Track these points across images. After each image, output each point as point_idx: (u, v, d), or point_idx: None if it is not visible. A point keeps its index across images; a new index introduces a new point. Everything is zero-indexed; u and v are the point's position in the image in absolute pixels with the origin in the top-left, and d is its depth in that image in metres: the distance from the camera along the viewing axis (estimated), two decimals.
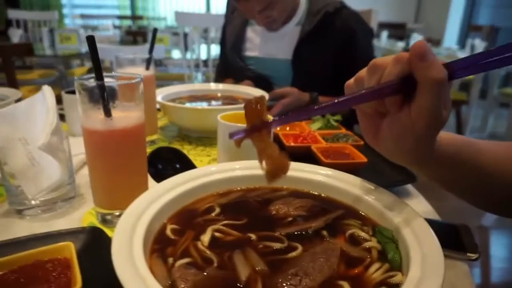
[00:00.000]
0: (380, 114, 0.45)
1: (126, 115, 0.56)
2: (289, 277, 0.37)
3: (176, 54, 4.70)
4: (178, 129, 1.11)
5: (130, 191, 0.59)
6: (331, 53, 1.41)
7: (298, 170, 0.57)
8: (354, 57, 1.41)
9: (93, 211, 0.64)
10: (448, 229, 0.61)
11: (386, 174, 0.79)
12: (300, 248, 0.42)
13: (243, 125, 0.70)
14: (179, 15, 2.95)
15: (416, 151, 0.43)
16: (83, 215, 0.64)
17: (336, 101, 0.40)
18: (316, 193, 0.55)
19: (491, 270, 2.07)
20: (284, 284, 0.36)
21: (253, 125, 0.40)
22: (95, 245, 0.50)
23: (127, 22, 8.20)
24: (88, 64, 4.41)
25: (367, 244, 0.44)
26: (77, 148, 0.80)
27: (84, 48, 4.29)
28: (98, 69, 0.51)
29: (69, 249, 0.46)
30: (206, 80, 3.26)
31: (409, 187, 0.78)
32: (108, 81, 0.54)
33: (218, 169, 0.56)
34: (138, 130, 0.57)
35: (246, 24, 1.61)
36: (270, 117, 0.44)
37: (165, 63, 4.27)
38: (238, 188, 0.56)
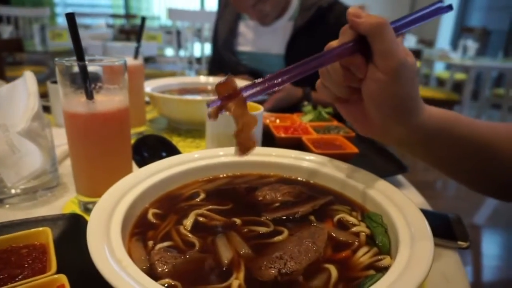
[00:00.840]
0: (357, 98, 0.46)
1: (109, 99, 0.54)
2: (274, 260, 0.36)
3: (169, 52, 4.68)
4: (167, 121, 1.09)
5: (113, 178, 0.56)
6: (324, 48, 1.40)
7: (285, 157, 0.55)
8: None
9: (75, 199, 0.62)
10: (440, 218, 0.60)
11: (377, 165, 0.78)
12: (286, 232, 0.41)
13: None
14: (171, 12, 2.93)
15: (403, 102, 0.43)
16: (65, 203, 0.62)
17: (301, 62, 0.42)
18: (304, 179, 0.54)
19: (483, 268, 2.07)
20: (269, 267, 0.35)
21: (228, 93, 0.40)
22: (74, 232, 0.48)
23: (121, 21, 8.15)
24: None
25: (355, 229, 0.42)
26: (63, 138, 0.78)
27: None
28: (78, 49, 0.50)
29: (46, 235, 0.44)
30: None
31: (401, 178, 0.77)
32: (90, 63, 0.52)
33: (204, 155, 0.55)
34: (121, 114, 0.55)
35: (239, 18, 1.59)
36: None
37: (158, 61, 4.24)
38: (225, 175, 0.54)
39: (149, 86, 1.07)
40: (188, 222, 0.42)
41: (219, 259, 0.36)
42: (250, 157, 0.55)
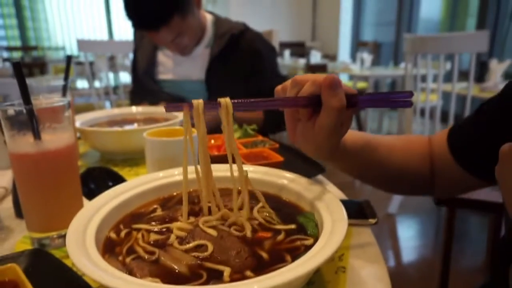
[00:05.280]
0: (297, 119, 0.57)
1: (56, 137, 0.58)
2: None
3: (81, 84, 4.49)
4: (100, 154, 1.11)
5: (66, 211, 0.60)
6: (240, 71, 1.54)
7: (225, 171, 0.64)
8: (261, 73, 1.55)
9: (26, 239, 0.63)
10: (354, 204, 0.73)
11: (300, 169, 0.90)
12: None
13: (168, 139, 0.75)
14: (81, 43, 2.86)
15: (319, 153, 0.57)
16: (15, 244, 0.63)
17: (266, 100, 0.51)
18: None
19: (401, 249, 2.36)
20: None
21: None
22: (40, 266, 0.51)
23: (18, 54, 7.56)
24: None
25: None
26: None
27: None
28: (25, 94, 0.53)
29: (14, 270, 0.46)
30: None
31: (320, 177, 0.90)
32: (35, 105, 0.56)
33: (161, 176, 0.62)
34: (69, 150, 0.60)
35: (157, 49, 1.66)
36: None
37: (72, 94, 4.04)
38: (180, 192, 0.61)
39: (78, 121, 1.09)
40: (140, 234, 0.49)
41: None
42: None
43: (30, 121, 0.55)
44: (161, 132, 0.84)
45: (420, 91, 2.66)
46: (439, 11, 6.03)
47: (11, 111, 0.55)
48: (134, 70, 1.74)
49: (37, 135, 0.56)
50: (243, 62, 1.53)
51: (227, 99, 0.49)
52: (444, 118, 2.42)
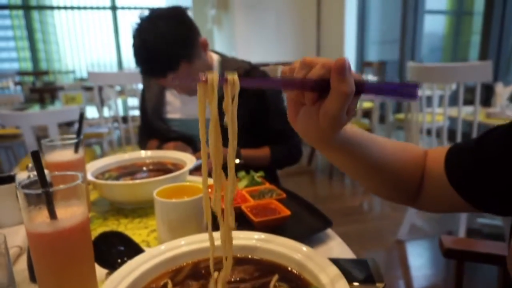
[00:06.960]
0: (301, 103, 0.55)
1: (71, 213, 0.61)
2: None
3: (90, 111, 4.56)
4: (110, 203, 1.13)
5: (79, 282, 0.63)
6: (246, 110, 1.56)
7: (235, 238, 0.66)
8: (267, 112, 1.58)
9: None
10: (360, 265, 0.74)
11: (307, 222, 0.92)
12: None
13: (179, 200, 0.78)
14: (92, 75, 2.94)
15: (319, 140, 0.56)
16: None
17: (272, 79, 0.50)
18: (256, 257, 0.64)
19: (413, 278, 2.33)
20: None
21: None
22: None
23: (30, 79, 7.75)
24: None
25: None
26: (8, 240, 0.79)
27: None
28: (43, 179, 0.56)
29: None
30: (126, 136, 3.22)
31: (328, 231, 0.91)
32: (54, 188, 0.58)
33: (168, 248, 0.63)
34: (84, 224, 0.62)
35: (164, 88, 1.70)
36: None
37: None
38: (190, 262, 0.63)
39: (88, 171, 1.12)
40: None
41: None
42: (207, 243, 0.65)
43: (46, 203, 0.57)
44: (170, 190, 0.86)
45: (426, 113, 2.67)
46: (443, 28, 6.08)
47: (28, 192, 0.58)
48: (143, 109, 1.78)
49: (53, 216, 0.58)
50: (248, 102, 1.55)
51: (235, 75, 0.48)
52: (451, 137, 2.42)
